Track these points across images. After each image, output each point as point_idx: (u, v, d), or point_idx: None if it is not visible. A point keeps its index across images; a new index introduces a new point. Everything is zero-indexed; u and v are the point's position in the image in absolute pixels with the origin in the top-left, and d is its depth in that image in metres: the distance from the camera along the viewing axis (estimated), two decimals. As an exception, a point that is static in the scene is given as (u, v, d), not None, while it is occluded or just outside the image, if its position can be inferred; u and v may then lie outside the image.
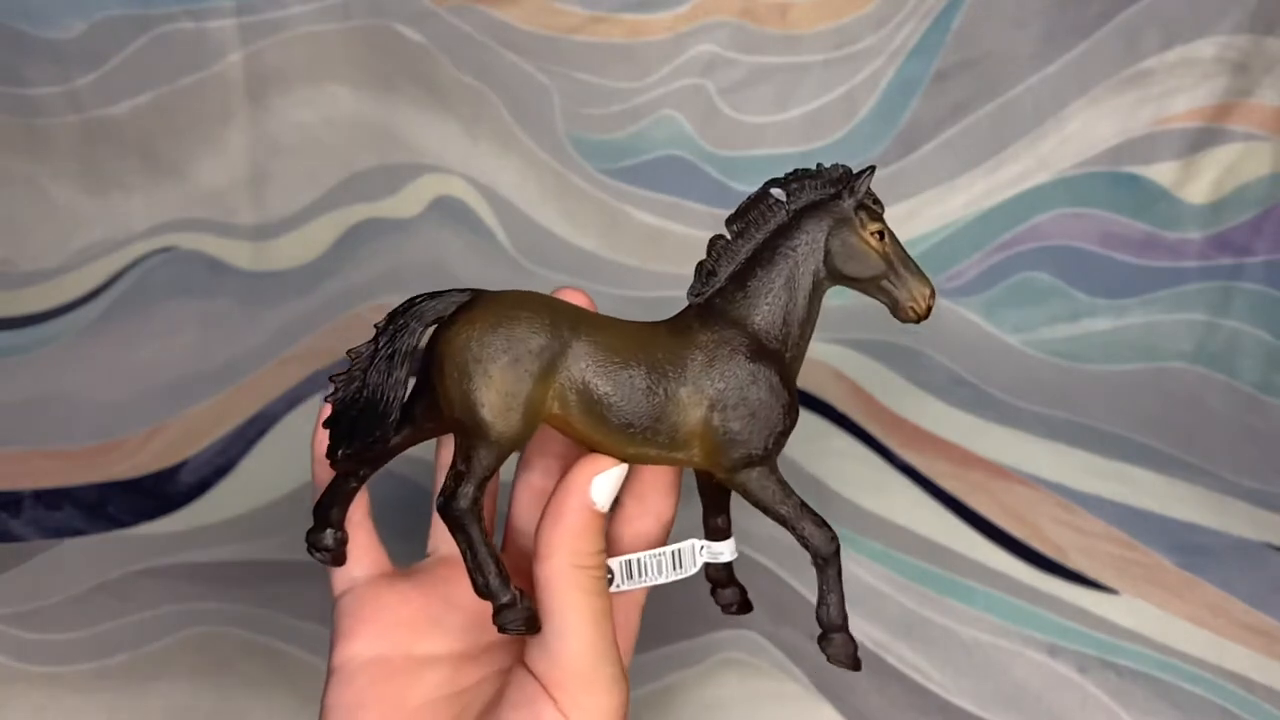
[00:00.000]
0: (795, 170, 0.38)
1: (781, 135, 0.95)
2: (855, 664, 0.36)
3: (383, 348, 0.34)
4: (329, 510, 0.37)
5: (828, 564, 0.36)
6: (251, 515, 0.73)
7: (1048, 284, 0.97)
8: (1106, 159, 0.94)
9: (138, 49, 0.89)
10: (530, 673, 0.33)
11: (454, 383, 0.32)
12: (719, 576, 0.40)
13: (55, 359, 0.88)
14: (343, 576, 0.38)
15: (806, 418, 0.84)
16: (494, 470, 0.33)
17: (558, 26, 0.93)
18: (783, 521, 0.36)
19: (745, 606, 0.40)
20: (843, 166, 0.37)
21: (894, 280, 0.36)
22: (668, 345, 0.35)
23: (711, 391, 0.34)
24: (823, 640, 0.36)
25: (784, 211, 0.37)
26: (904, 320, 0.36)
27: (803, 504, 0.36)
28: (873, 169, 0.37)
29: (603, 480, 0.34)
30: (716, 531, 0.40)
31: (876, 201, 0.37)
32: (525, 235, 0.98)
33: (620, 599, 0.38)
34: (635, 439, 0.33)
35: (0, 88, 0.89)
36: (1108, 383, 0.91)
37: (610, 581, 0.36)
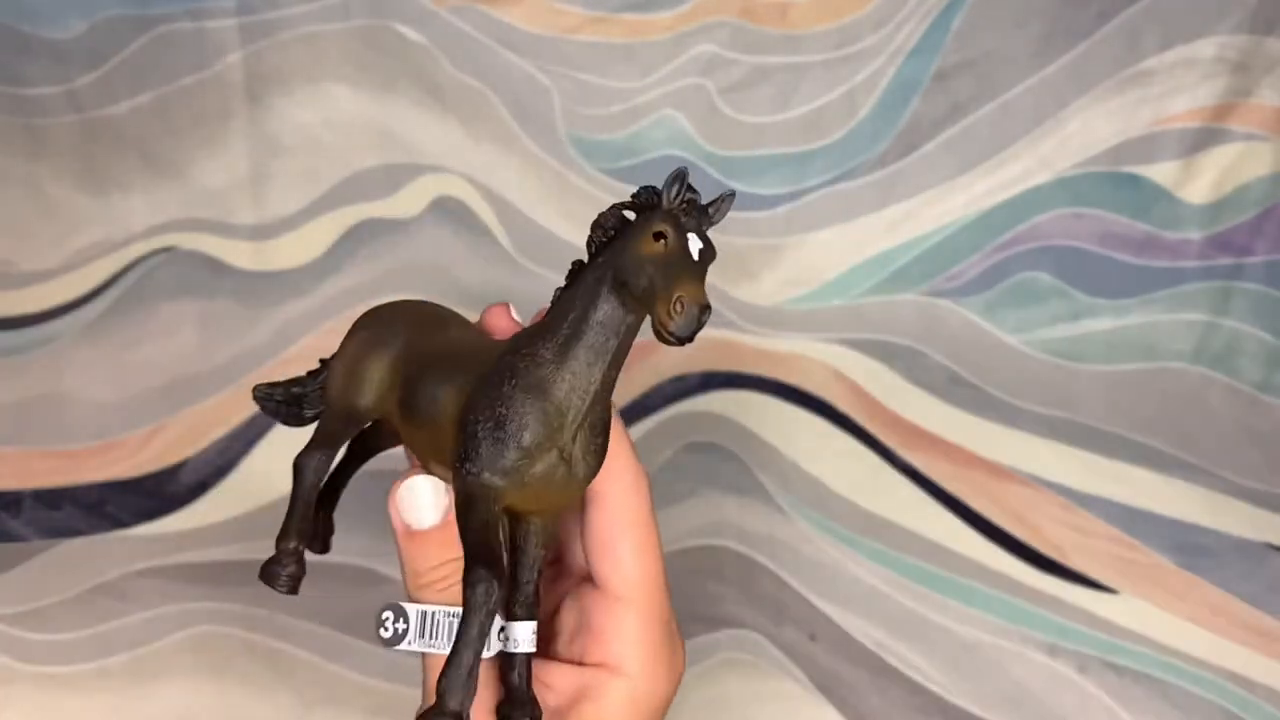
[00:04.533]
0: (643, 187, 0.31)
1: (781, 135, 0.95)
2: None
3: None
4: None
5: (470, 616, 0.28)
6: (251, 515, 0.73)
7: (1048, 284, 0.97)
8: (1106, 159, 0.94)
9: (138, 49, 0.89)
10: None
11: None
12: (515, 680, 0.32)
13: (55, 359, 0.87)
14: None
15: (806, 418, 0.84)
16: (336, 441, 0.35)
17: (558, 26, 0.93)
18: (464, 545, 0.29)
19: None
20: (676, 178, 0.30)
21: (657, 288, 0.28)
22: (486, 350, 0.32)
23: (469, 389, 0.30)
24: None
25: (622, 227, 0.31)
26: (661, 339, 0.28)
27: (485, 540, 0.29)
28: (683, 172, 0.29)
29: (403, 497, 0.32)
30: (519, 603, 0.32)
31: (687, 207, 0.29)
32: (525, 235, 0.98)
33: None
34: (423, 427, 0.31)
35: (0, 88, 0.89)
36: (1108, 383, 0.91)
37: (404, 630, 0.32)
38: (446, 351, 0.33)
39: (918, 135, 0.96)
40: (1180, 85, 0.91)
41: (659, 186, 0.30)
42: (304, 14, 0.91)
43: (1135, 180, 0.94)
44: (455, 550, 0.31)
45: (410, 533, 0.32)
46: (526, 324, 0.35)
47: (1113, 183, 0.95)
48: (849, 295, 0.98)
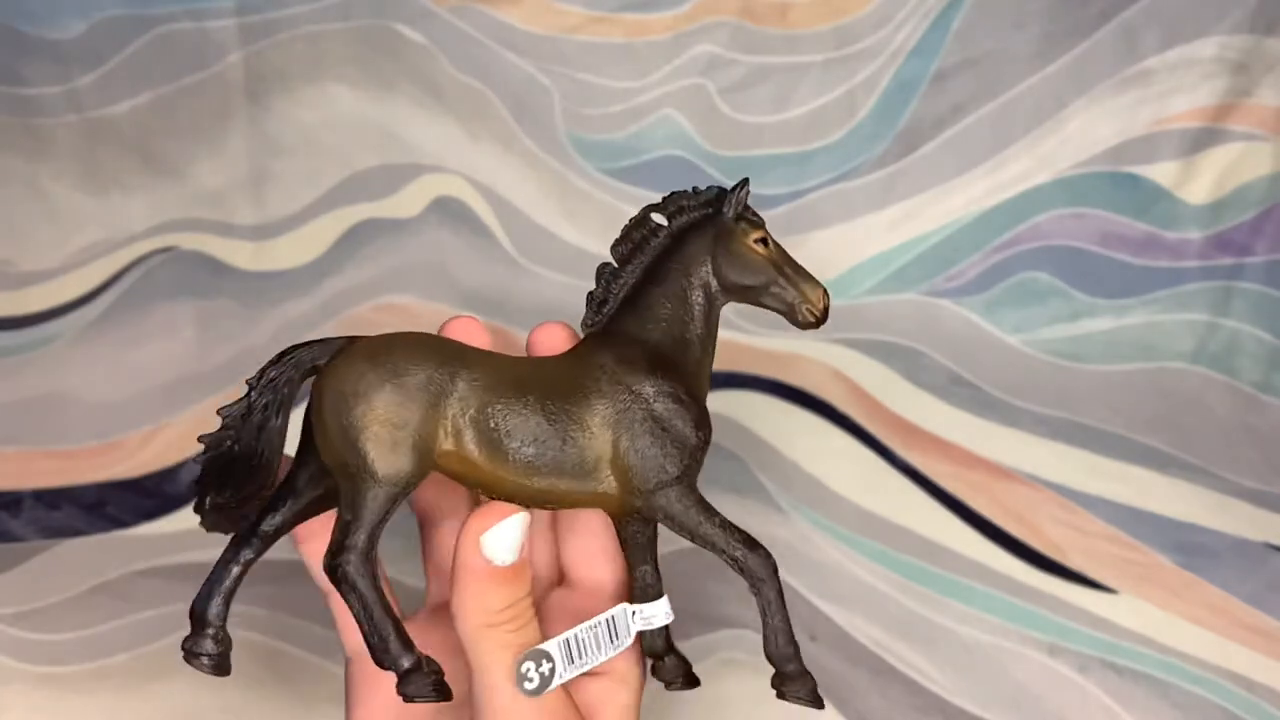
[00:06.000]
0: (672, 193, 0.37)
1: (781, 135, 0.95)
2: (817, 701, 0.33)
3: (256, 400, 0.32)
4: (207, 606, 0.33)
5: (765, 584, 0.33)
6: (251, 515, 0.73)
7: (1048, 284, 0.97)
8: (1106, 159, 0.94)
9: (138, 49, 0.89)
10: None
11: (333, 418, 0.30)
12: (656, 646, 0.37)
13: (55, 359, 0.87)
14: (348, 643, 0.37)
15: (806, 418, 0.84)
16: (385, 516, 0.30)
17: (558, 26, 0.93)
18: (710, 545, 0.33)
19: (691, 681, 0.37)
20: (718, 187, 0.37)
21: (783, 285, 0.35)
22: (567, 371, 0.33)
23: (617, 413, 0.32)
24: (779, 683, 0.33)
25: (665, 234, 0.37)
26: (802, 325, 0.36)
27: (729, 523, 0.33)
28: (747, 181, 0.37)
29: (496, 535, 0.31)
30: (646, 590, 0.36)
31: (756, 215, 0.37)
32: (525, 235, 0.98)
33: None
34: (541, 472, 0.32)
35: (0, 88, 0.89)
36: (1108, 383, 0.91)
37: (552, 669, 0.32)
38: (540, 385, 0.32)
39: (918, 135, 0.96)
40: (1180, 85, 0.91)
41: (723, 187, 0.37)
42: (304, 14, 0.91)
43: (1135, 180, 0.94)
44: (527, 585, 0.32)
45: (493, 570, 0.31)
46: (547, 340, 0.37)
47: (1113, 183, 0.95)
48: (849, 295, 0.98)
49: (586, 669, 0.33)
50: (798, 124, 0.95)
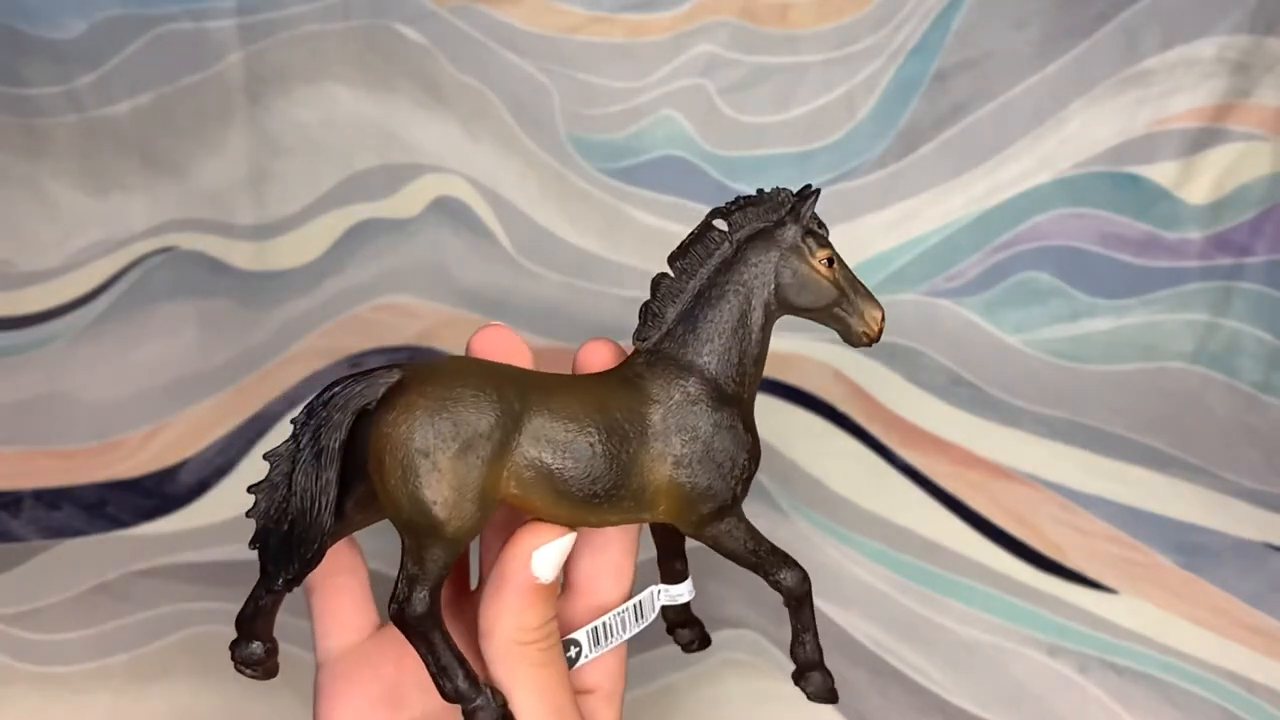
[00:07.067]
0: (737, 198, 0.35)
1: (781, 135, 0.95)
2: (833, 696, 0.35)
3: (305, 446, 0.31)
4: (254, 622, 0.34)
5: (801, 604, 0.35)
6: (251, 515, 0.73)
7: (1048, 284, 0.97)
8: (1106, 159, 0.94)
9: (138, 49, 0.89)
10: None
11: (400, 481, 0.29)
12: (677, 618, 0.39)
13: (55, 359, 0.88)
14: (322, 646, 0.36)
15: (806, 418, 0.84)
16: (450, 567, 0.31)
17: (558, 26, 0.93)
18: (755, 568, 0.34)
19: (705, 641, 0.40)
20: (785, 190, 0.35)
21: (846, 307, 0.35)
22: (623, 401, 0.33)
23: (675, 448, 0.33)
24: (799, 678, 0.36)
25: (728, 243, 0.35)
26: (856, 345, 0.35)
27: (772, 547, 0.35)
28: (817, 191, 0.35)
29: (546, 553, 0.31)
30: (674, 574, 0.38)
31: (821, 225, 0.35)
32: (525, 235, 0.98)
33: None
34: (599, 507, 0.32)
35: (0, 88, 0.89)
36: (1108, 383, 0.91)
37: (579, 653, 0.35)
38: (599, 422, 0.32)
39: (918, 135, 0.96)
40: (1180, 85, 0.91)
41: (789, 190, 0.35)
42: (304, 14, 0.91)
43: (1135, 180, 0.95)
44: (555, 605, 0.33)
45: (536, 587, 0.31)
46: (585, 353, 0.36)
47: (1113, 183, 0.95)
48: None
49: (612, 647, 0.36)
50: (798, 124, 0.95)
